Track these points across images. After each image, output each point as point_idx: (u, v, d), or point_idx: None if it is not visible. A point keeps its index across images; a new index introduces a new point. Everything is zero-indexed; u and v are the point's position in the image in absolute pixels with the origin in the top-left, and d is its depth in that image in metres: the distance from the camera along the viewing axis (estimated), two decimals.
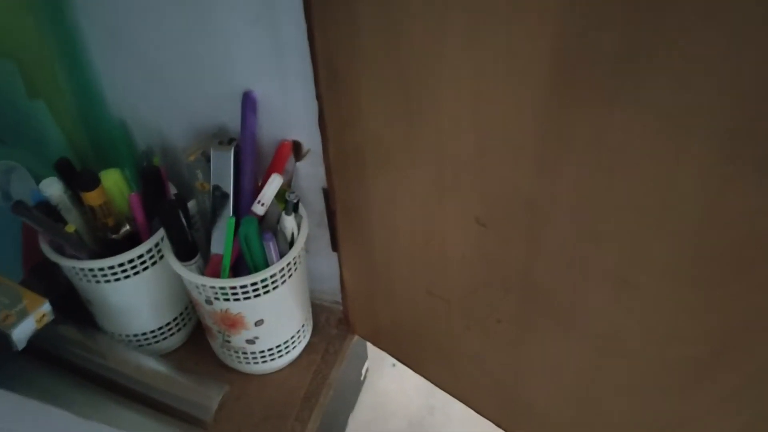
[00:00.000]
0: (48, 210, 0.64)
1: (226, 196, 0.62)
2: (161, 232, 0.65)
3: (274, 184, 0.60)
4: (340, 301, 0.78)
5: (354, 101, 0.53)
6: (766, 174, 0.35)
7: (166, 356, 0.74)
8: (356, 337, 0.78)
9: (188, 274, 0.61)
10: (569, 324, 0.52)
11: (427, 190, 0.54)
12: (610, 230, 0.44)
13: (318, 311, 0.79)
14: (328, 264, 0.74)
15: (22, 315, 0.61)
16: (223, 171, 0.62)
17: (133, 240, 0.66)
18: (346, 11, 0.47)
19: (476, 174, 0.49)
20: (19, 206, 0.59)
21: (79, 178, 0.63)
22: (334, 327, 0.78)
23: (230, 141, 0.62)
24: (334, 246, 0.72)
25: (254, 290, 0.61)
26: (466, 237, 0.53)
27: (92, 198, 0.63)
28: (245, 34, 0.56)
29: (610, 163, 0.41)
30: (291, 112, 0.61)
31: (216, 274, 0.63)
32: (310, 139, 0.62)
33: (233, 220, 0.60)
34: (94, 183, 0.63)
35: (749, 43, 0.32)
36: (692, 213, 0.39)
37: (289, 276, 0.64)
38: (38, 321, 0.62)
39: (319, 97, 0.56)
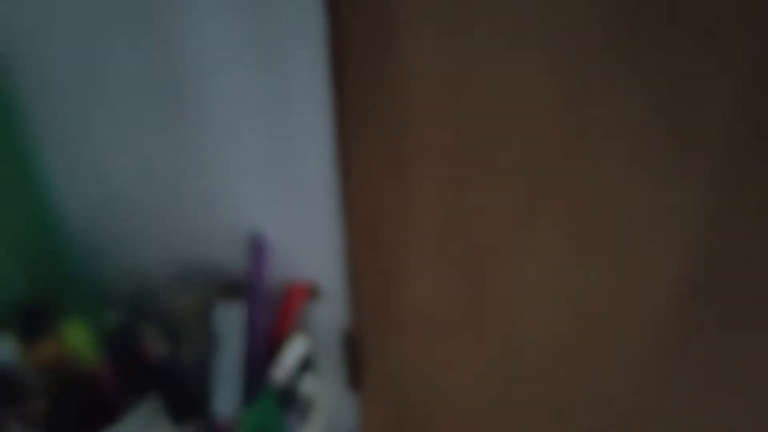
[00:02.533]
0: (7, 379, 0.54)
1: (231, 351, 0.54)
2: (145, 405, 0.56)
3: (298, 348, 0.51)
4: None
5: (399, 271, 0.45)
6: None
7: None
8: None
9: None
10: None
11: (490, 371, 0.46)
12: None
13: None
14: (342, 402, 0.66)
15: None
16: (228, 327, 0.53)
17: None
18: (397, 169, 0.40)
19: (563, 366, 0.41)
20: None
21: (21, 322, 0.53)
22: None
23: (235, 289, 0.54)
24: (354, 384, 0.63)
25: None
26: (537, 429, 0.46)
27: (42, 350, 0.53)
28: (252, 167, 0.48)
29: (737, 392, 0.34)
30: (306, 251, 0.53)
31: None
32: (329, 279, 0.54)
33: (246, 410, 0.51)
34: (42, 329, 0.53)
35: None
36: None
37: None
38: None
39: (351, 251, 0.48)
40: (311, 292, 0.56)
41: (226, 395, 0.53)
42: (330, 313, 0.57)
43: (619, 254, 0.35)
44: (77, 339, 0.55)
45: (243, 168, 0.49)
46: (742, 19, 0.27)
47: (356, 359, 0.59)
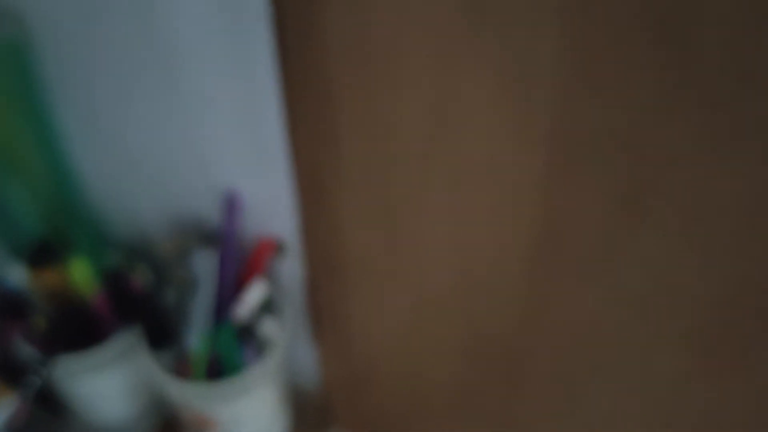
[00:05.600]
0: (15, 299, 0.65)
1: (205, 292, 0.63)
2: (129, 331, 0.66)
3: (258, 291, 0.61)
4: (321, 387, 0.79)
5: (336, 217, 0.54)
6: None
7: None
8: (336, 428, 0.79)
9: (160, 375, 0.62)
10: None
11: (408, 311, 0.55)
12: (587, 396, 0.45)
13: (298, 396, 0.80)
14: (309, 351, 0.75)
15: None
16: (205, 270, 0.63)
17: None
18: (333, 141, 0.49)
19: (458, 311, 0.50)
20: None
21: (33, 252, 0.64)
22: (313, 415, 0.79)
23: (213, 239, 0.63)
24: (316, 337, 0.73)
25: (227, 394, 0.62)
26: (450, 365, 0.55)
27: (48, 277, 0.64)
28: (227, 134, 0.58)
29: (587, 336, 0.43)
30: (273, 208, 0.62)
31: (191, 372, 0.64)
32: (293, 236, 0.63)
33: (207, 338, 0.61)
34: (46, 259, 0.63)
35: None
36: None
37: (267, 378, 0.65)
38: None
39: (302, 208, 0.57)
40: (278, 247, 0.65)
41: (196, 330, 0.63)
42: (296, 268, 0.66)
43: (485, 210, 0.43)
44: (79, 272, 0.66)
45: (218, 132, 0.58)
46: None
47: (315, 312, 0.68)
